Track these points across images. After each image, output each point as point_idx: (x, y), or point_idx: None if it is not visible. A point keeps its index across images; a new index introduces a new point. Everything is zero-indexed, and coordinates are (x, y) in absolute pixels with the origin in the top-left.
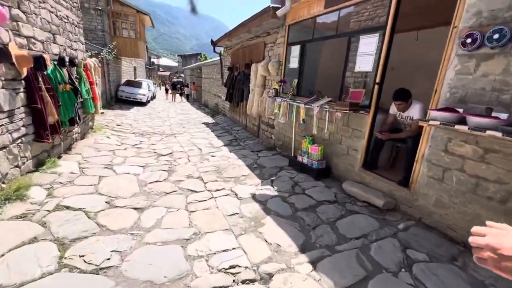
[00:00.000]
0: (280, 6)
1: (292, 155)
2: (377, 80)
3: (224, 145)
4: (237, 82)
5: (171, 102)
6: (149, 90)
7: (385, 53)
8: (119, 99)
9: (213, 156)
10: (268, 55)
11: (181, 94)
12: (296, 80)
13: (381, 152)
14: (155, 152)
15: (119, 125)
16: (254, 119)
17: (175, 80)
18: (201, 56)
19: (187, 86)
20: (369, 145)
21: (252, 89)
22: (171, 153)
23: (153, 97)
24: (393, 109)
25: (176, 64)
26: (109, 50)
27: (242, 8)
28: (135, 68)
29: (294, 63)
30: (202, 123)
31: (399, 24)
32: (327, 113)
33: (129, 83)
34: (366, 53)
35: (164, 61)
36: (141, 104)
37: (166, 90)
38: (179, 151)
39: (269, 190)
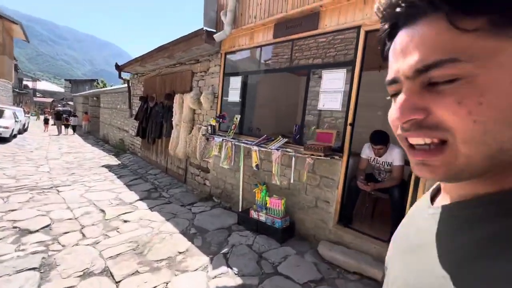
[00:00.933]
0: (214, 30)
1: (240, 209)
2: (349, 121)
3: (140, 199)
4: (153, 115)
5: (55, 135)
6: (16, 121)
7: (356, 91)
8: None
9: (125, 221)
10: (198, 85)
11: (66, 126)
12: (238, 116)
13: (356, 203)
14: (15, 228)
15: None
16: (180, 160)
17: (61, 108)
18: (97, 83)
19: (75, 115)
20: (343, 196)
21: (177, 124)
22: (48, 225)
23: (24, 130)
24: (365, 153)
25: (61, 90)
26: None
27: (146, 36)
28: None
29: (234, 96)
30: (102, 166)
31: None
32: (293, 159)
33: None
34: (332, 90)
35: (44, 85)
36: (1, 140)
37: (46, 121)
38: (65, 218)
39: (228, 277)
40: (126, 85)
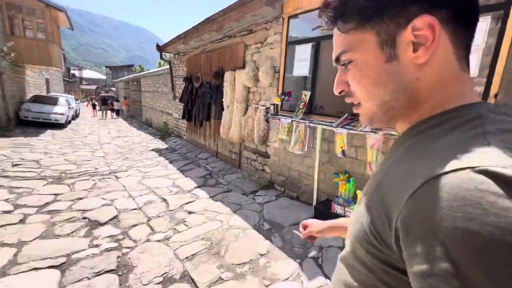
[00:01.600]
0: None
1: (315, 202)
2: (494, 90)
3: (198, 186)
4: (199, 96)
5: (101, 119)
6: (69, 108)
7: (508, 46)
8: (23, 120)
9: (190, 212)
10: (252, 59)
11: (112, 110)
12: (308, 93)
13: None
14: (85, 219)
15: (16, 165)
16: (232, 144)
17: (105, 94)
18: (136, 68)
19: (117, 100)
20: None
21: (228, 105)
22: (115, 217)
23: (76, 116)
24: None
25: (103, 77)
26: (1, 54)
27: (176, 21)
28: (47, 80)
29: (301, 68)
30: (152, 150)
31: None
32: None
33: (37, 99)
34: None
35: (88, 74)
36: (58, 126)
37: (94, 106)
38: (130, 209)
39: None
40: (167, 67)
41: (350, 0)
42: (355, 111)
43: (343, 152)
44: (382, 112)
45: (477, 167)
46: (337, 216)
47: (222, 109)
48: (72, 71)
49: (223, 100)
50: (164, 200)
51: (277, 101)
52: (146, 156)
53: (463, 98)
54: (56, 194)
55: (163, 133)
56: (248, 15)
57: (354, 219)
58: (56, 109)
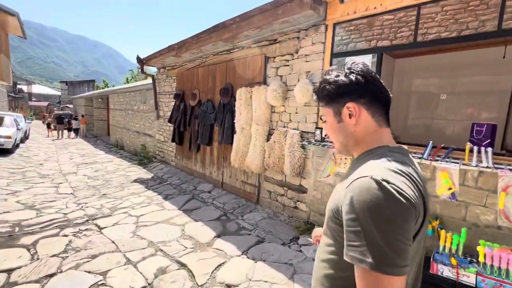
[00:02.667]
0: None
1: None
2: None
3: (218, 236)
4: (198, 116)
5: (57, 139)
6: (18, 129)
7: None
8: None
9: (230, 287)
10: (277, 74)
11: (69, 129)
12: None
13: None
14: None
15: None
16: (247, 174)
17: (60, 112)
18: (99, 84)
19: (76, 118)
20: None
21: (243, 128)
22: None
23: (26, 138)
24: None
25: (57, 93)
26: None
27: (139, 37)
28: None
29: None
30: (134, 181)
31: None
32: None
33: None
34: None
35: (38, 89)
36: (3, 152)
37: (48, 125)
38: (130, 285)
39: None
40: (146, 82)
41: (320, 94)
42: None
43: (453, 194)
44: (342, 147)
45: (368, 175)
46: (452, 283)
47: (232, 132)
48: (19, 86)
49: (234, 121)
50: (183, 265)
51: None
52: (130, 191)
53: (379, 143)
54: (8, 271)
55: (141, 157)
56: (277, 21)
57: (328, 204)
58: (1, 131)
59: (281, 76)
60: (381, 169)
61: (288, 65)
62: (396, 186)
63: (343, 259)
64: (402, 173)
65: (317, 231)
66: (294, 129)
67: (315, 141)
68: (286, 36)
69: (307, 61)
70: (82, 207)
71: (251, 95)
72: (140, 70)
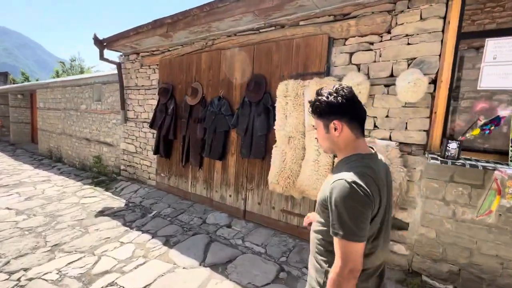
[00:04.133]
0: None
1: None
2: None
3: None
4: (206, 119)
5: None
6: None
7: None
8: None
9: None
10: (350, 61)
11: None
12: None
13: None
14: None
15: None
16: (290, 200)
17: None
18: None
19: None
20: None
21: (291, 137)
22: None
23: None
24: None
25: None
26: None
27: (60, 27)
28: None
29: (502, 78)
30: (102, 215)
31: None
32: None
33: None
34: None
35: None
36: None
37: None
38: None
39: None
40: (99, 73)
41: (315, 108)
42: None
43: None
44: (329, 150)
45: (343, 178)
46: None
47: (263, 141)
48: None
49: (274, 128)
50: None
51: (475, 133)
52: (100, 234)
53: (354, 150)
54: None
55: (95, 174)
56: None
57: (319, 194)
58: None
59: (357, 65)
60: (351, 173)
61: (372, 50)
62: (361, 186)
63: (329, 229)
64: (365, 175)
65: (310, 215)
66: (382, 139)
67: (445, 157)
68: (367, 9)
69: (409, 44)
70: (17, 283)
71: (304, 91)
72: (99, 56)
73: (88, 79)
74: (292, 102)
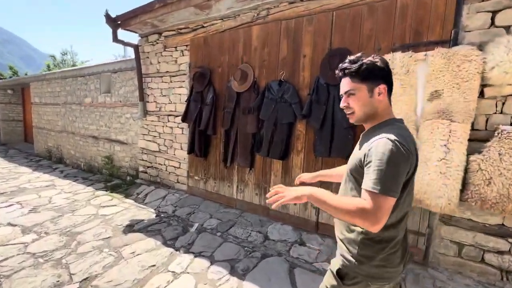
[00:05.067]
0: None
1: None
2: None
3: None
4: (263, 109)
5: None
6: None
7: None
8: None
9: None
10: (493, 23)
11: None
12: None
13: None
14: None
15: None
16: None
17: None
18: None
19: None
20: None
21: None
22: None
23: None
24: None
25: None
26: None
27: (43, 19)
28: None
29: None
30: (130, 230)
31: None
32: None
33: None
34: None
35: None
36: None
37: None
38: None
39: None
40: (107, 61)
41: (359, 71)
42: (349, 116)
43: None
44: (363, 117)
45: (385, 137)
46: None
47: (351, 135)
48: None
49: None
50: None
51: None
52: (143, 260)
53: (389, 116)
54: None
55: (106, 176)
56: None
57: (350, 160)
58: None
59: (507, 28)
60: (393, 134)
61: None
62: (402, 144)
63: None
64: (405, 136)
65: (303, 175)
66: None
67: None
68: None
69: None
70: None
71: (418, 67)
72: (113, 38)
73: (94, 67)
74: (401, 82)
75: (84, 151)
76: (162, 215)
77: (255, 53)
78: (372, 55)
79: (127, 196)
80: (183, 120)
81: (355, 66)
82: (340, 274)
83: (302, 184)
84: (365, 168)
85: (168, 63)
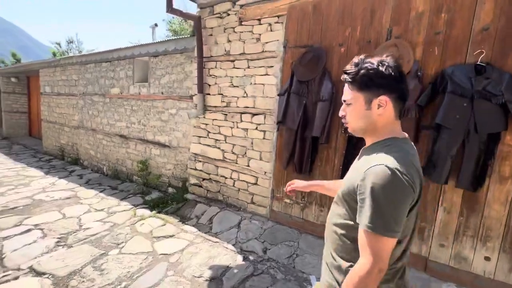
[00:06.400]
0: None
1: None
2: None
3: None
4: (444, 109)
5: None
6: None
7: None
8: None
9: None
10: None
11: None
12: None
13: None
14: None
15: None
16: None
17: None
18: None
19: None
20: None
21: None
22: None
23: None
24: None
25: None
26: None
27: (43, 9)
28: None
29: None
30: (214, 284)
31: None
32: None
33: None
34: None
35: None
36: None
37: None
38: None
39: None
40: (142, 42)
41: (356, 77)
42: (346, 125)
43: None
44: (359, 131)
45: (383, 164)
46: None
47: None
48: None
49: None
50: None
51: None
52: None
53: (391, 134)
54: None
55: (142, 187)
56: None
57: (344, 182)
58: None
59: None
60: (393, 159)
61: None
62: (405, 174)
63: (355, 224)
64: (407, 163)
65: (297, 182)
66: None
67: None
68: None
69: None
70: None
71: None
72: (167, 7)
73: (125, 50)
74: None
75: (108, 152)
76: (250, 257)
77: (418, 22)
78: (385, 56)
79: (183, 219)
80: (281, 122)
81: (353, 71)
82: None
83: (292, 192)
84: (358, 201)
85: (246, 41)
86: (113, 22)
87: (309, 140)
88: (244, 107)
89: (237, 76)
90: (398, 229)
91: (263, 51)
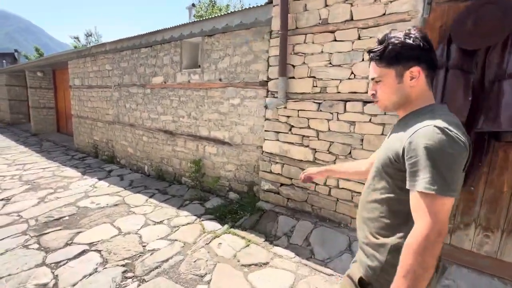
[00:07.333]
0: None
1: None
2: None
3: None
4: None
5: None
6: None
7: None
8: None
9: None
10: None
11: None
12: None
13: None
14: None
15: None
16: None
17: None
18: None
19: None
20: None
21: None
22: None
23: None
24: None
25: None
26: None
27: (58, 7)
28: None
29: None
30: None
31: None
32: None
33: None
34: None
35: None
36: None
37: None
38: None
39: None
40: (189, 21)
41: (384, 54)
42: (376, 103)
43: None
44: (392, 106)
45: (432, 124)
46: None
47: None
48: None
49: None
50: None
51: None
52: None
53: (427, 102)
54: None
55: (198, 192)
56: None
57: (380, 155)
58: None
59: None
60: (440, 120)
61: None
62: (455, 132)
63: (397, 195)
64: (456, 124)
65: (310, 169)
66: None
67: None
68: None
69: None
70: None
71: None
72: None
73: (170, 31)
74: None
75: (150, 150)
76: None
77: None
78: (408, 29)
79: (268, 238)
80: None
81: (379, 48)
82: (362, 284)
83: (308, 178)
84: (408, 166)
85: (354, 2)
86: (134, 12)
87: (485, 137)
88: (350, 93)
89: (339, 52)
90: (455, 187)
91: (384, 14)
